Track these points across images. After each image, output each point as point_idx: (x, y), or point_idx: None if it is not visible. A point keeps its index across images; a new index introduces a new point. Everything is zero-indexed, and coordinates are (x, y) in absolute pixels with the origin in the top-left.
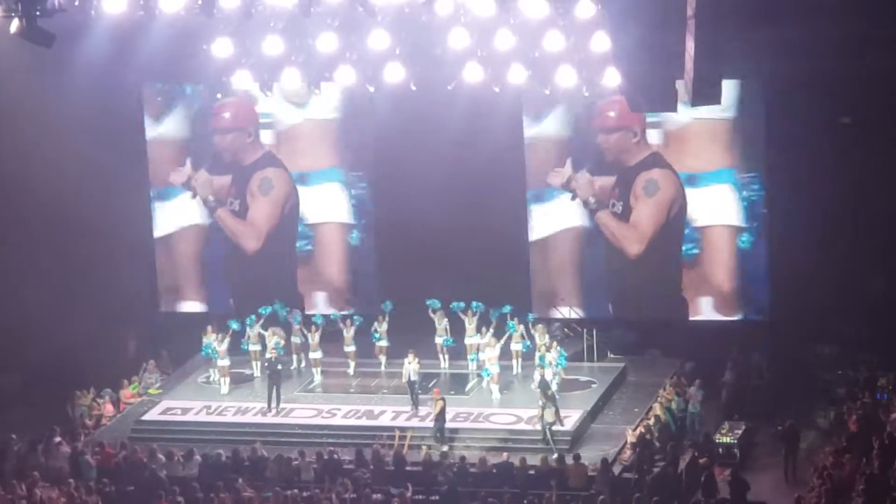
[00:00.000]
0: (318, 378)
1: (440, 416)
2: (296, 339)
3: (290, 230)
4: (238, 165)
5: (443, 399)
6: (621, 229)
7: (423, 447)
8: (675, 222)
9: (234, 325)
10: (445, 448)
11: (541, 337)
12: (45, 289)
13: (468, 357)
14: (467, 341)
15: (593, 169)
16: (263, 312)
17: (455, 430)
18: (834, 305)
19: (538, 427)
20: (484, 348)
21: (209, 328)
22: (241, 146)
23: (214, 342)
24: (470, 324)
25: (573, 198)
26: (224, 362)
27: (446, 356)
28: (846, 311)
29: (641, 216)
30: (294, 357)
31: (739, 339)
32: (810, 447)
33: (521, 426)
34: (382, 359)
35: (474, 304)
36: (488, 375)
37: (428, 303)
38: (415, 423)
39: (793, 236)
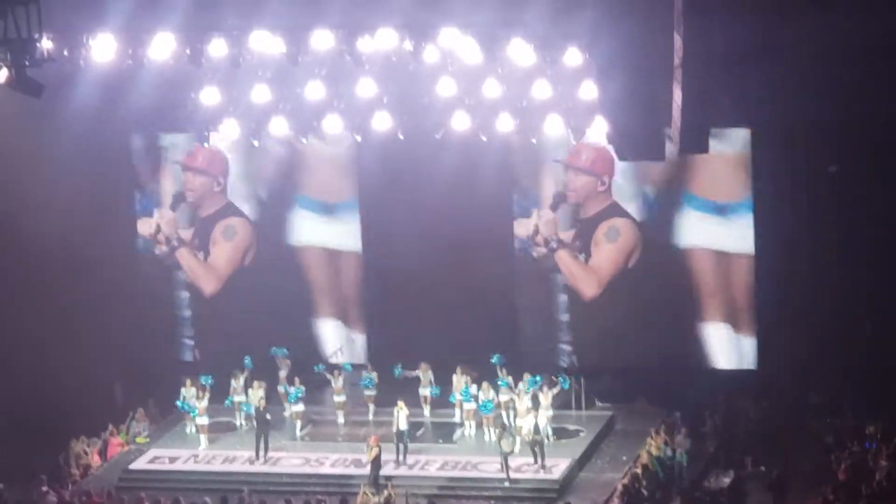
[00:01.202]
0: (300, 431)
1: (375, 463)
2: (280, 389)
3: (249, 277)
4: (200, 212)
5: (378, 447)
6: (580, 270)
7: (406, 497)
8: (634, 271)
9: (209, 382)
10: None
11: (485, 392)
12: (34, 335)
13: (455, 409)
14: (454, 399)
15: (555, 207)
16: (247, 366)
17: (445, 479)
18: (821, 353)
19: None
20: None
21: (188, 381)
22: (208, 193)
23: (193, 398)
24: (458, 382)
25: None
26: (203, 420)
27: (429, 406)
28: (834, 358)
29: (601, 260)
30: (285, 405)
31: (727, 387)
32: (799, 496)
33: (512, 474)
34: (371, 407)
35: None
36: (489, 411)
37: (410, 372)
38: (402, 471)
39: (780, 283)
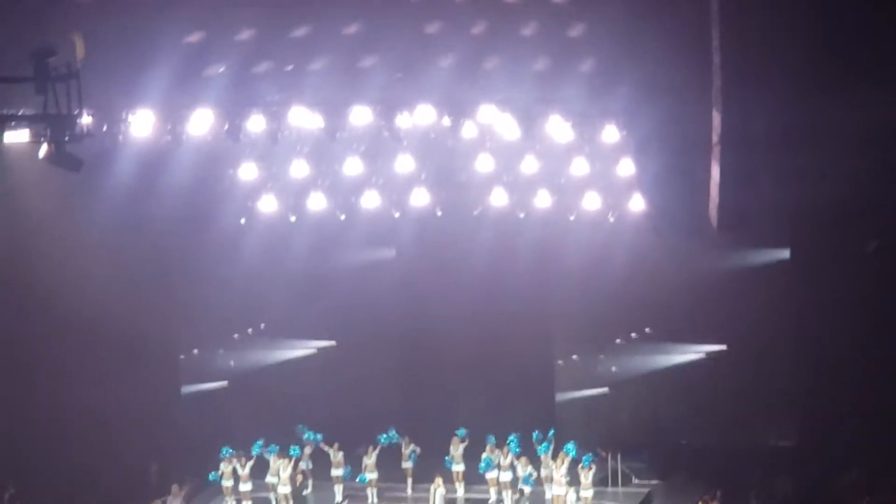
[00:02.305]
0: (340, 496)
1: None
2: (302, 465)
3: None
4: None
5: None
6: None
7: None
8: None
9: (257, 450)
10: None
11: (523, 467)
12: (70, 409)
13: (491, 488)
14: (488, 475)
15: None
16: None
17: None
18: (860, 431)
19: None
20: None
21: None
22: None
23: (237, 465)
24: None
25: None
26: (246, 487)
27: (462, 483)
28: (873, 436)
29: None
30: (309, 482)
31: (765, 464)
32: None
33: None
34: (409, 481)
35: (511, 441)
36: (531, 485)
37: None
38: None
39: (820, 362)
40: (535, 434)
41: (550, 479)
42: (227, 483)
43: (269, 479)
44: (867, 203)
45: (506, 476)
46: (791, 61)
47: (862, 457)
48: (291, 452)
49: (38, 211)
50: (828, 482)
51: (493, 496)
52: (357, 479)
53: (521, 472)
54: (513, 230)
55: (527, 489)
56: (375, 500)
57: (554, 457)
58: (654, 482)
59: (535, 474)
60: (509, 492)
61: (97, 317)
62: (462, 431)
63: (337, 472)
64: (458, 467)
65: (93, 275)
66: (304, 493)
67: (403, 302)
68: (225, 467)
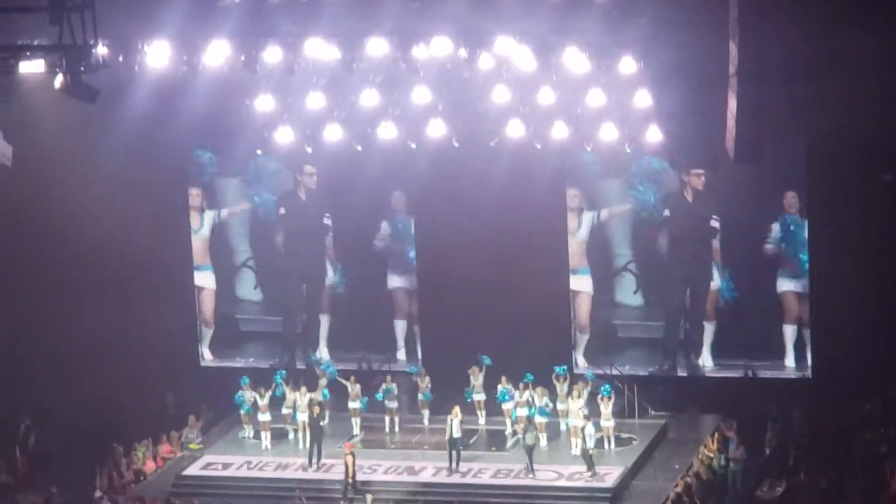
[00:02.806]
0: (357, 429)
1: (351, 471)
2: (319, 397)
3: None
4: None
5: (352, 454)
6: None
7: None
8: None
9: (280, 379)
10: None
11: (539, 398)
12: (87, 338)
13: (507, 419)
14: (505, 406)
15: None
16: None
17: (498, 487)
18: (876, 363)
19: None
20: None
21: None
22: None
23: (256, 396)
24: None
25: None
26: (265, 417)
27: (483, 412)
28: (889, 368)
29: None
30: (326, 412)
31: (781, 396)
32: None
33: (563, 482)
34: (425, 413)
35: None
36: (547, 416)
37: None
38: (455, 479)
39: (835, 293)
40: (561, 369)
41: (566, 413)
42: (247, 411)
43: (286, 410)
44: (885, 133)
45: (522, 412)
46: None
47: (878, 389)
48: (322, 396)
49: (53, 141)
50: (843, 414)
51: (509, 427)
52: (382, 394)
53: (537, 402)
54: (529, 161)
55: (542, 420)
56: (396, 429)
57: (570, 391)
58: (670, 414)
59: (550, 405)
60: (523, 426)
61: (113, 246)
62: (486, 359)
63: (354, 404)
64: (479, 396)
65: (108, 205)
66: (322, 423)
67: (418, 234)
68: (246, 396)
